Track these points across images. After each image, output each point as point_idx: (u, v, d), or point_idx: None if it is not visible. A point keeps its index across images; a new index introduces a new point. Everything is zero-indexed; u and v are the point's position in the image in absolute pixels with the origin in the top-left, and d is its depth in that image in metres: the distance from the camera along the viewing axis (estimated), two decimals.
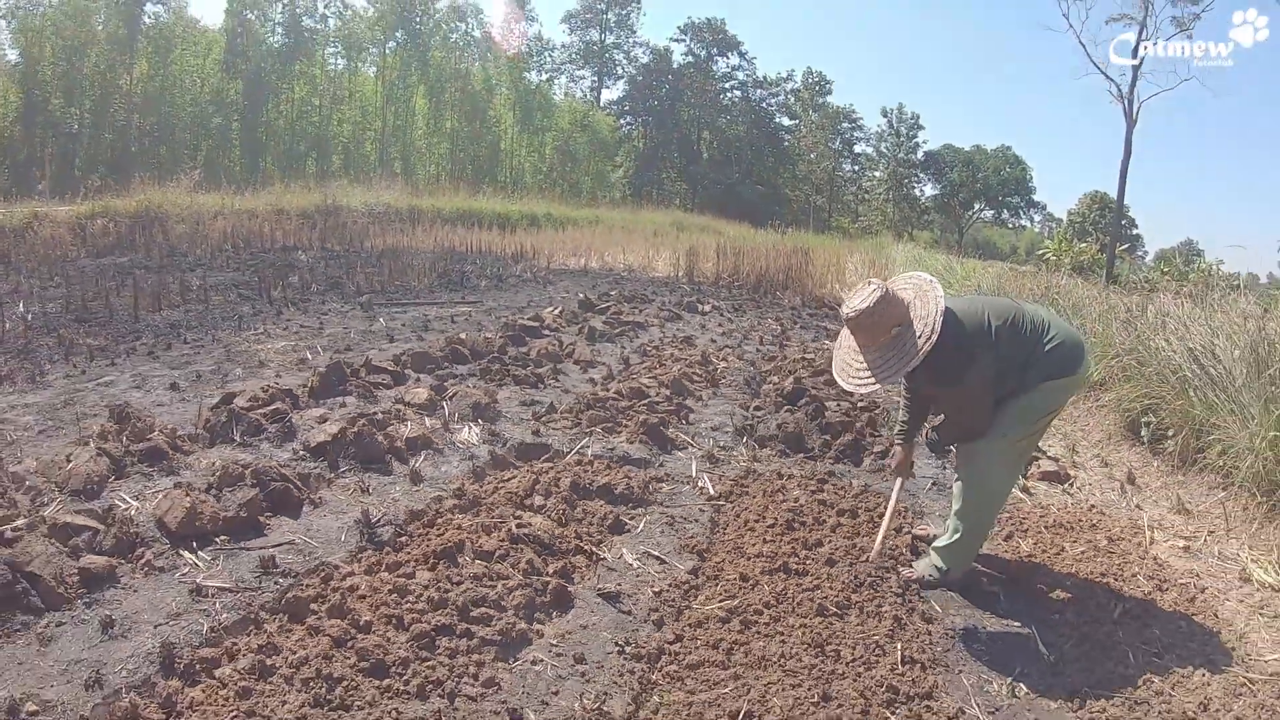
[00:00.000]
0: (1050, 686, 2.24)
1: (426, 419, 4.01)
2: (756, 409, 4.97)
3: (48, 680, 1.92)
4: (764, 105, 55.47)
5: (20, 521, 2.57)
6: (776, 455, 4.12)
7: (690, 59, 52.98)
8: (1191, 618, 2.66)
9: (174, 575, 2.42)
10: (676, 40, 53.34)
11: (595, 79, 53.00)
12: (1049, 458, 4.45)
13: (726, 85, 54.11)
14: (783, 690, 1.97)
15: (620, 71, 52.98)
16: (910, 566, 2.82)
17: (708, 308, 9.63)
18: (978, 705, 2.11)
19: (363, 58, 34.31)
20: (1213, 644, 2.51)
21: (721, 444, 4.24)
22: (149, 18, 27.18)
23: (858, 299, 2.43)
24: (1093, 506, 3.78)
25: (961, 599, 2.72)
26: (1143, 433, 4.82)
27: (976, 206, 58.47)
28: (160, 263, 9.38)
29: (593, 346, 6.59)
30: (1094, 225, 48.58)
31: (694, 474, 3.74)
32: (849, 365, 2.51)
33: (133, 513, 2.72)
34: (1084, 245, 36.03)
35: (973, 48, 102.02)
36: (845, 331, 2.58)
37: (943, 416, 2.82)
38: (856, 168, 61.20)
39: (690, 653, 2.17)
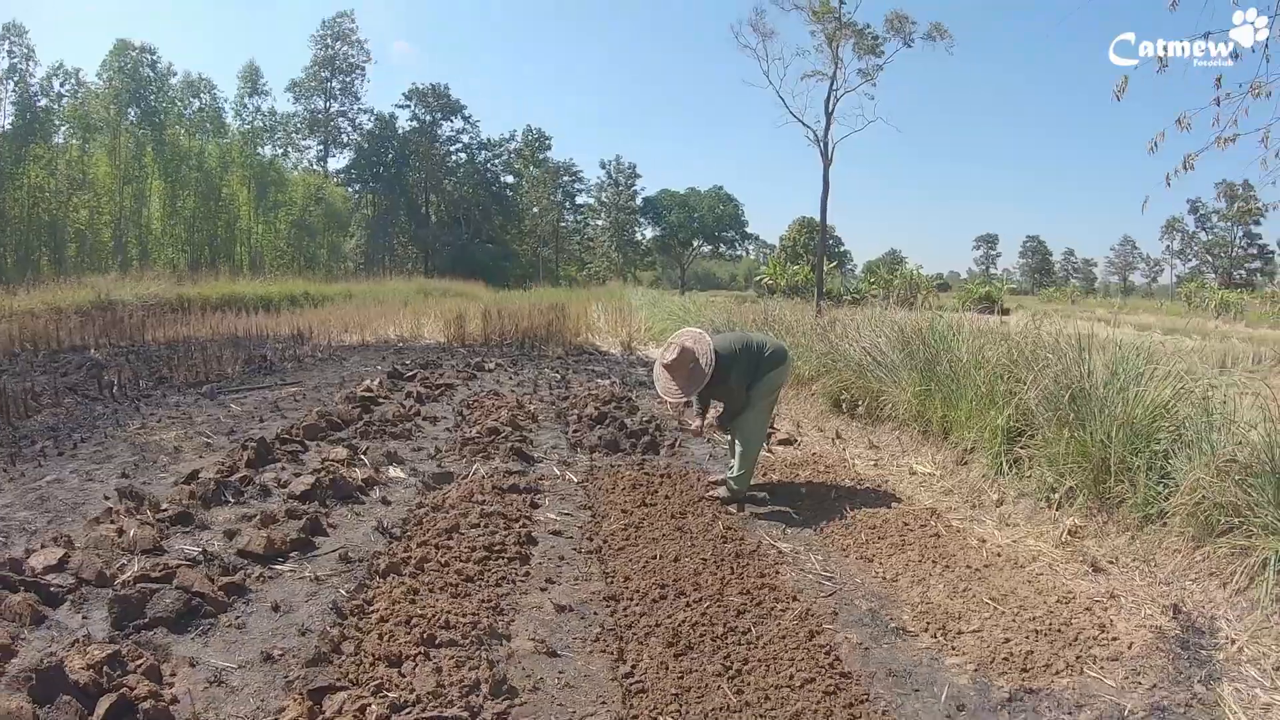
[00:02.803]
0: (801, 529, 4.32)
1: (357, 469, 5.10)
2: (575, 431, 6.60)
3: (268, 640, 2.88)
4: (489, 166, 56.51)
5: (130, 574, 3.43)
6: (603, 456, 5.83)
7: (415, 124, 52.82)
8: (879, 492, 4.91)
9: (284, 578, 3.45)
10: (401, 106, 52.95)
11: (322, 148, 50.67)
12: (783, 433, 6.62)
13: (452, 148, 54.54)
14: (669, 545, 3.77)
15: (346, 139, 51.28)
16: (715, 493, 4.71)
17: (492, 365, 10.98)
18: (769, 539, 4.10)
19: (97, 139, 30.12)
20: (890, 500, 4.73)
21: (564, 455, 5.84)
22: None
23: (669, 355, 4.34)
24: (814, 454, 5.98)
25: (747, 505, 4.68)
26: (842, 406, 7.07)
27: (695, 243, 62.69)
28: None
29: (425, 406, 7.74)
30: (805, 248, 53.70)
31: (558, 473, 5.31)
32: (670, 388, 4.39)
33: (214, 551, 3.65)
34: (797, 267, 40.88)
35: (683, 102, 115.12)
36: (660, 369, 4.43)
37: (723, 407, 4.76)
38: (579, 218, 63.17)
39: (615, 545, 3.83)
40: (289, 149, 48.30)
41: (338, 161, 52.02)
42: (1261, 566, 3.12)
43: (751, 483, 4.79)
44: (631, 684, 2.60)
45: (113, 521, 3.96)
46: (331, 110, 50.61)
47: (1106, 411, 4.15)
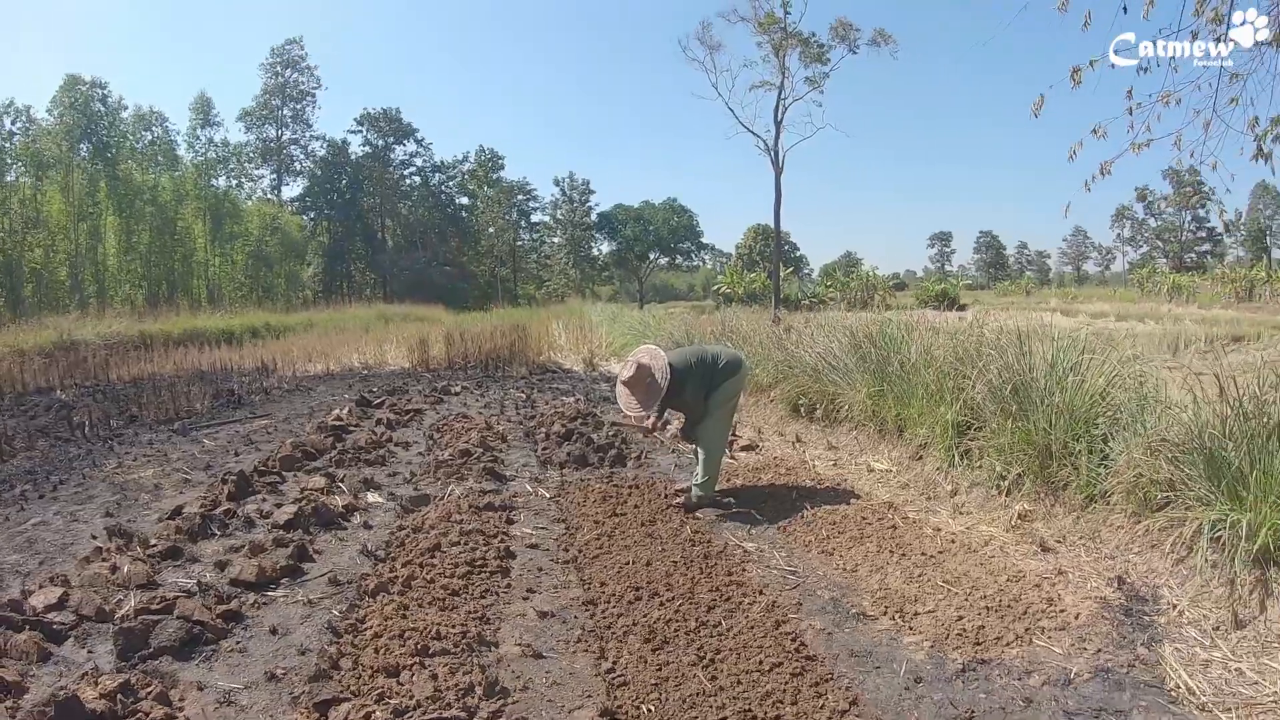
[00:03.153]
0: (765, 529, 4.58)
1: (337, 497, 5.24)
2: (545, 449, 6.80)
3: (270, 661, 3.01)
4: (443, 188, 56.07)
5: (129, 607, 3.54)
6: (573, 471, 6.04)
7: (368, 149, 52.40)
8: (839, 490, 5.20)
9: (278, 603, 3.59)
10: (354, 132, 52.50)
11: (275, 176, 49.88)
12: (745, 439, 6.89)
13: (405, 172, 54.14)
14: (641, 550, 4.02)
15: (299, 167, 50.58)
16: (681, 500, 4.96)
17: (458, 388, 11.04)
18: (735, 539, 4.37)
19: (49, 176, 29.18)
20: (849, 497, 5.01)
21: (535, 472, 6.04)
22: None
23: (627, 372, 4.60)
24: (776, 457, 6.25)
25: (713, 509, 4.94)
26: (801, 410, 7.35)
27: (652, 256, 62.00)
28: None
29: (395, 432, 7.84)
30: (760, 254, 53.94)
31: (530, 490, 5.51)
32: (630, 403, 4.64)
33: (208, 581, 3.78)
34: (754, 275, 41.22)
35: (634, 117, 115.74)
36: (620, 387, 4.69)
37: (685, 417, 5.02)
38: (535, 236, 62.61)
39: (590, 554, 4.07)
40: (243, 179, 47.71)
41: (291, 190, 51.49)
42: (1196, 534, 3.38)
43: (716, 488, 5.06)
44: (614, 678, 2.83)
45: (104, 559, 4.04)
46: (284, 138, 50.00)
47: (1047, 401, 4.38)
